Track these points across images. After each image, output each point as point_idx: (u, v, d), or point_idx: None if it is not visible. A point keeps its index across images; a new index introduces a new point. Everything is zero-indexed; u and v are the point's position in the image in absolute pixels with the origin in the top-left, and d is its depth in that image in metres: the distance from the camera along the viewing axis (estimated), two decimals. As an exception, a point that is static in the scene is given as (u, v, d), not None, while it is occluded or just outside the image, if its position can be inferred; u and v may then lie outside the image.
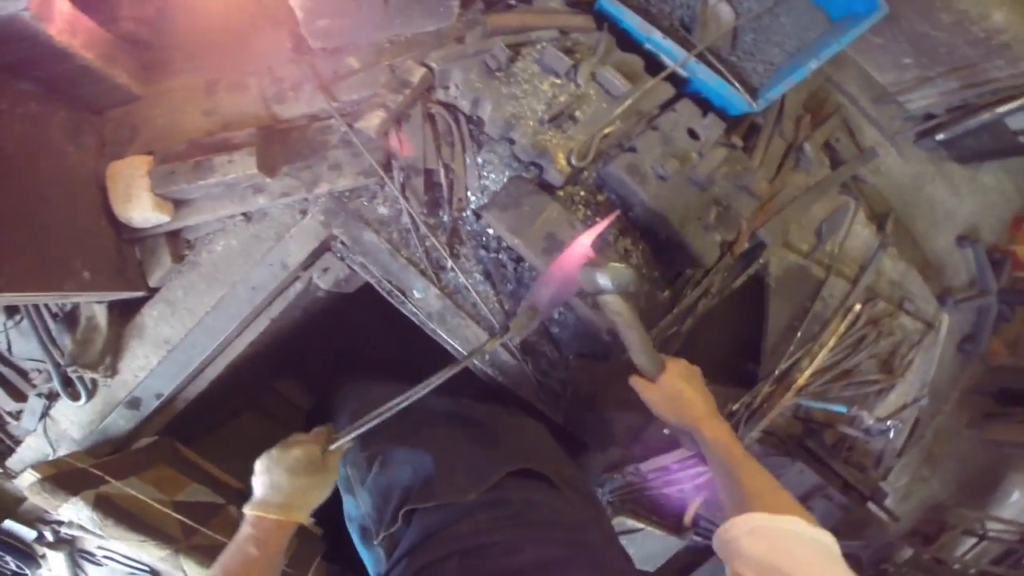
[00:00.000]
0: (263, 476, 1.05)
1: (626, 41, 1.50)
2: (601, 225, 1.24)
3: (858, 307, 1.80)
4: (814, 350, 1.80)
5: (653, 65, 1.49)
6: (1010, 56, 1.58)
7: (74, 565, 1.49)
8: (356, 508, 1.29)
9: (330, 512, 1.25)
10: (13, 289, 1.08)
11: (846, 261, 1.81)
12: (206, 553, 1.46)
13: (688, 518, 1.85)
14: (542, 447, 1.48)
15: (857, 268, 1.82)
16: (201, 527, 1.47)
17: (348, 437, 1.12)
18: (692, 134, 1.49)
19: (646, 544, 1.80)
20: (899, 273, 1.87)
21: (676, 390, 1.15)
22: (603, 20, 1.49)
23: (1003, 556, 2.78)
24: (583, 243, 1.19)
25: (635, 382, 1.20)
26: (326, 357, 2.59)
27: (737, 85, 1.44)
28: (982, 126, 1.69)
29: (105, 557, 1.50)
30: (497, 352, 1.57)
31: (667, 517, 1.87)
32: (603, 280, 1.10)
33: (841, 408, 1.82)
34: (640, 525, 1.78)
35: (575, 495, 1.27)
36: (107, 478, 1.36)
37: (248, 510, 1.02)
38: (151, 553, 1.40)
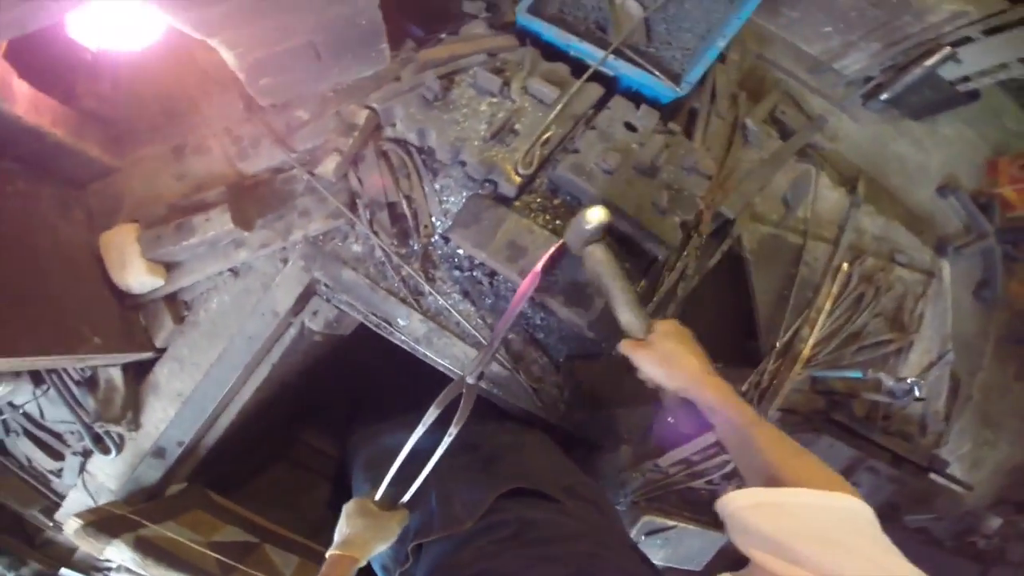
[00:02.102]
0: (338, 525, 1.20)
1: (552, 51, 1.58)
2: (546, 255, 1.28)
3: (846, 266, 1.76)
4: (811, 317, 1.75)
5: (580, 70, 1.55)
6: (913, 11, 1.63)
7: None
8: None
9: None
10: (33, 355, 1.18)
11: (821, 224, 1.80)
12: (246, 588, 1.55)
13: None
14: (539, 461, 1.45)
15: (835, 230, 1.80)
16: (238, 564, 1.54)
17: (381, 488, 1.24)
18: (630, 127, 1.55)
19: (684, 542, 1.68)
20: (880, 228, 1.84)
21: (667, 349, 1.08)
22: (525, 36, 1.60)
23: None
24: (534, 272, 1.26)
25: (624, 346, 1.13)
26: (342, 400, 2.61)
27: (657, 73, 1.50)
28: (918, 81, 1.72)
29: (153, 595, 1.61)
30: (490, 368, 1.58)
31: (703, 511, 1.76)
32: (582, 223, 1.16)
33: (856, 373, 1.74)
34: (671, 523, 1.68)
35: (577, 503, 1.24)
36: (144, 522, 1.45)
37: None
38: (193, 589, 1.47)
